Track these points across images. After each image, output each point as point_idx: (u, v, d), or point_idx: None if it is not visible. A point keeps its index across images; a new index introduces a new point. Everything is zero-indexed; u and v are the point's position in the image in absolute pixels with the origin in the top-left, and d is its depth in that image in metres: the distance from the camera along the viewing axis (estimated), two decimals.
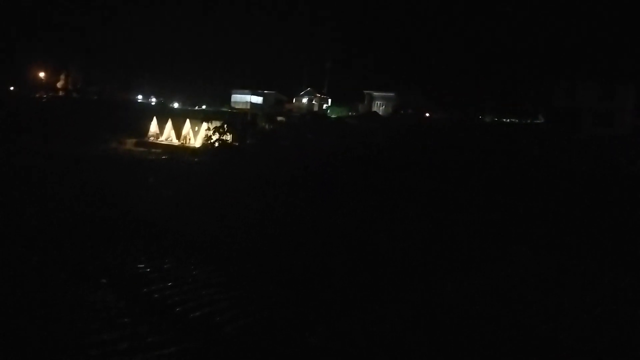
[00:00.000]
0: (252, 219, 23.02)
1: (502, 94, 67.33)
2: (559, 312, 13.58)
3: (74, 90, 76.66)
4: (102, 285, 13.72)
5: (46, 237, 17.38)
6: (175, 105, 78.39)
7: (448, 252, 19.07)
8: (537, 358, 10.99)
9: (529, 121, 60.50)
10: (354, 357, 10.55)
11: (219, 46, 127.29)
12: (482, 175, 32.39)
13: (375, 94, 78.20)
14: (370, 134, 48.26)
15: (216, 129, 45.38)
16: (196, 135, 58.10)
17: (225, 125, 45.76)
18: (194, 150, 52.13)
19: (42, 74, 79.06)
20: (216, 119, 51.12)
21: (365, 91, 78.80)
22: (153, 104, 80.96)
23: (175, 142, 60.17)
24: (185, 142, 59.66)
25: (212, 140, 45.00)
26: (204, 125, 52.92)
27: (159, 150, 52.96)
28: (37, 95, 71.70)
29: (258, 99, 76.52)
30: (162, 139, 61.72)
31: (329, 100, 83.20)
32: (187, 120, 60.86)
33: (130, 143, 55.69)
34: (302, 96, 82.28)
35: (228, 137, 44.85)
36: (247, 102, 75.43)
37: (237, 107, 73.86)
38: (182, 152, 52.49)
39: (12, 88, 73.35)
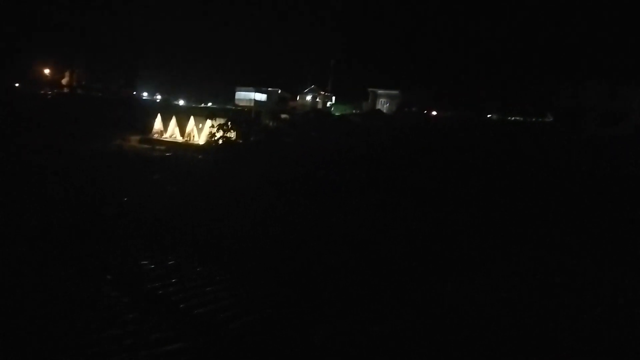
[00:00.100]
0: (256, 216, 23.10)
1: (507, 93, 67.09)
2: (560, 312, 13.59)
3: (78, 87, 76.92)
4: (106, 282, 13.80)
5: (50, 234, 17.48)
6: (180, 102, 78.55)
7: (449, 252, 19.08)
8: (538, 358, 11.02)
9: (533, 119, 60.28)
10: (354, 357, 10.60)
11: (223, 43, 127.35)
12: (485, 175, 32.35)
13: (380, 91, 78.12)
14: (375, 132, 48.22)
15: (220, 126, 45.55)
16: (200, 132, 58.35)
17: (229, 123, 45.92)
18: (198, 147, 52.36)
19: (46, 71, 79.31)
20: (220, 116, 51.33)
21: (370, 89, 78.70)
22: (158, 101, 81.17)
23: (179, 139, 60.45)
24: (190, 139, 59.93)
25: (216, 138, 45.16)
26: (208, 122, 53.17)
27: (163, 147, 53.15)
28: (42, 92, 71.98)
29: (262, 96, 76.55)
30: (166, 136, 62.03)
31: (333, 98, 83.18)
32: (191, 118, 61.13)
33: (134, 140, 55.97)
34: (306, 93, 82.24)
35: (232, 135, 45.00)
36: (251, 99, 75.47)
37: (240, 104, 73.97)
38: (186, 149, 52.73)
39: (17, 85, 73.61)
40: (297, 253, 17.72)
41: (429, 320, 12.51)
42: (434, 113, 66.77)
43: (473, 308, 13.40)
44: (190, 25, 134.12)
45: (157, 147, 53.64)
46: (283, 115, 61.77)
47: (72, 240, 17.01)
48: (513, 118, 61.83)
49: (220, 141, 44.42)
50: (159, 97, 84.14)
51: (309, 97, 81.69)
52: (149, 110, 65.15)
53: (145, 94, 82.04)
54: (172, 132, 62.77)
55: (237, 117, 52.39)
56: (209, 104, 76.31)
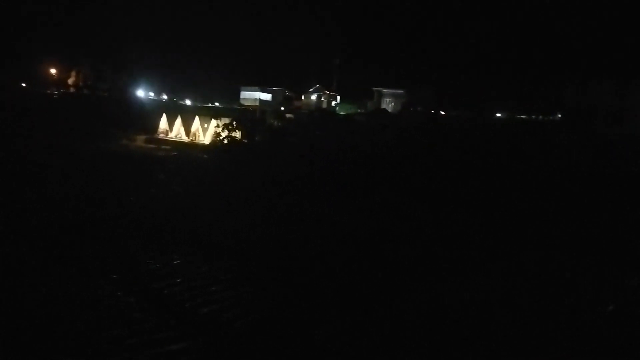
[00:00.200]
0: (260, 216, 23.11)
1: (514, 92, 66.79)
2: (560, 312, 13.47)
3: (84, 86, 77.25)
4: (111, 281, 13.82)
5: (55, 233, 17.55)
6: (186, 102, 78.82)
7: (450, 252, 18.99)
8: (538, 358, 10.93)
9: (541, 117, 59.89)
10: (355, 357, 10.55)
11: (228, 43, 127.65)
12: (490, 174, 32.20)
13: (385, 91, 78.05)
14: (379, 132, 48.10)
15: (225, 126, 45.57)
16: (205, 132, 58.45)
17: (234, 122, 45.94)
18: (203, 147, 52.47)
19: (53, 71, 79.73)
20: (225, 116, 51.40)
21: (374, 88, 78.63)
22: (164, 101, 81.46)
23: (184, 138, 60.61)
24: (195, 139, 60.05)
25: (221, 137, 45.19)
26: (213, 122, 53.22)
27: (168, 147, 53.33)
28: (48, 92, 72.36)
29: (267, 96, 76.71)
30: (172, 136, 62.23)
31: (338, 97, 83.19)
32: (197, 117, 61.26)
33: (140, 140, 56.16)
34: (311, 93, 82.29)
35: (237, 134, 45.01)
36: (256, 99, 75.65)
37: (245, 104, 74.13)
38: (191, 148, 52.85)
39: (23, 84, 74.05)
40: (299, 253, 17.72)
41: (429, 320, 12.46)
42: (442, 113, 66.40)
43: (473, 308, 13.33)
44: (196, 25, 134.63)
45: (163, 146, 53.83)
46: (288, 115, 61.76)
47: (77, 239, 17.07)
48: (521, 116, 61.43)
49: (226, 141, 44.45)
50: (165, 97, 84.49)
51: (313, 97, 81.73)
52: (154, 110, 65.37)
53: (151, 94, 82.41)
54: (178, 132, 62.96)
55: (242, 116, 52.45)
56: (216, 104, 76.46)
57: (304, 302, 13.26)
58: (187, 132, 61.68)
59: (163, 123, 63.81)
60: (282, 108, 69.29)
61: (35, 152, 36.84)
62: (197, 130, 60.98)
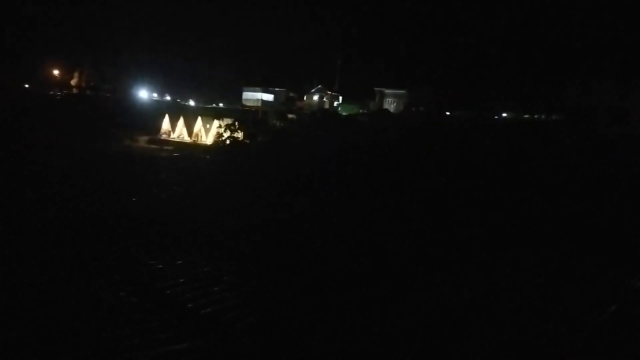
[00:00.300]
0: (262, 216, 23.18)
1: (515, 92, 66.56)
2: (561, 312, 13.49)
3: (87, 88, 77.42)
4: (115, 281, 13.93)
5: (60, 234, 17.67)
6: (189, 102, 78.94)
7: (450, 252, 19.02)
8: (539, 358, 10.98)
9: (543, 117, 59.68)
10: (356, 356, 10.63)
11: (230, 44, 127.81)
12: (491, 174, 32.19)
13: (387, 91, 77.92)
14: (381, 132, 48.09)
15: (227, 127, 45.64)
16: (207, 132, 58.59)
17: (237, 123, 46.01)
18: (205, 147, 52.57)
19: (56, 72, 79.94)
20: (227, 117, 51.49)
21: (376, 88, 78.54)
22: (166, 101, 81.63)
23: (187, 139, 60.75)
24: (197, 140, 60.19)
25: (223, 138, 45.26)
26: (216, 122, 53.33)
27: (170, 148, 53.44)
28: (51, 93, 72.54)
29: (269, 97, 76.68)
30: (174, 136, 62.37)
31: (340, 98, 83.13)
32: (199, 118, 61.39)
33: (142, 140, 56.28)
34: (313, 93, 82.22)
35: (239, 135, 45.08)
36: (258, 99, 75.60)
37: (248, 104, 74.11)
38: (193, 149, 52.93)
39: (26, 85, 74.27)
40: (301, 253, 17.79)
41: (429, 320, 12.51)
42: (447, 113, 66.08)
43: (474, 308, 13.37)
44: (198, 26, 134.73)
45: (165, 147, 53.94)
46: (290, 115, 61.79)
47: (79, 239, 17.18)
48: (524, 116, 61.17)
49: (228, 141, 44.53)
50: (168, 97, 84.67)
51: (315, 97, 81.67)
52: (157, 111, 65.53)
53: (155, 94, 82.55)
54: (180, 133, 63.12)
55: (245, 117, 52.53)
56: (220, 105, 76.52)
57: (305, 302, 13.35)
58: (190, 132, 61.84)
59: (165, 124, 63.99)
60: (285, 108, 69.26)
61: (37, 152, 37.00)
62: (200, 130, 61.14)
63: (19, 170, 29.36)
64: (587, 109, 45.73)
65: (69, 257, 15.41)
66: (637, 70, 49.72)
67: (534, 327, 12.31)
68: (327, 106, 78.30)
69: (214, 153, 45.41)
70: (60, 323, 11.10)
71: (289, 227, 21.46)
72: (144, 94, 78.07)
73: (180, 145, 56.12)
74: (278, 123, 54.95)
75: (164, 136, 61.90)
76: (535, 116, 60.29)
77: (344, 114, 69.68)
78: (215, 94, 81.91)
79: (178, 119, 63.42)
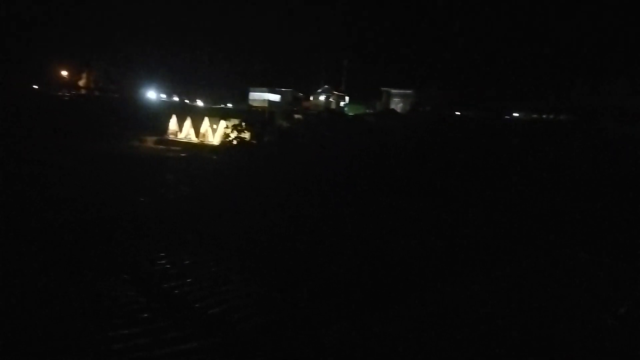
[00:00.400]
0: (270, 216, 23.18)
1: (524, 91, 66.15)
2: (563, 314, 13.35)
3: (95, 88, 77.94)
4: (124, 281, 13.97)
5: (69, 233, 17.77)
6: (196, 103, 79.23)
7: (456, 253, 18.92)
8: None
9: (551, 117, 59.28)
10: (363, 357, 10.57)
11: (237, 44, 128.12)
12: (498, 175, 32.03)
13: (393, 91, 77.77)
14: (388, 132, 47.99)
15: (234, 127, 45.73)
16: (214, 132, 58.78)
17: (243, 123, 46.09)
18: (212, 147, 52.74)
19: (64, 73, 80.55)
20: (234, 117, 51.59)
21: (383, 88, 78.40)
22: (173, 102, 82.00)
23: (194, 139, 61.02)
24: (204, 140, 60.41)
25: (230, 138, 45.36)
26: (222, 123, 53.49)
27: (178, 148, 53.68)
28: (60, 94, 73.08)
29: (275, 97, 76.73)
30: (181, 137, 62.63)
31: (346, 98, 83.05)
32: (206, 118, 61.63)
33: (150, 141, 56.61)
34: (320, 94, 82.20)
35: (246, 135, 45.15)
36: (264, 99, 75.67)
37: (254, 104, 74.23)
38: (200, 149, 53.15)
39: (35, 86, 74.88)
40: (308, 254, 17.76)
41: (438, 321, 12.42)
42: (458, 113, 65.66)
43: (484, 309, 13.27)
44: (205, 27, 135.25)
45: (173, 147, 54.22)
46: (296, 116, 61.81)
47: (88, 239, 17.26)
48: (533, 116, 60.75)
49: (235, 142, 44.62)
50: (176, 98, 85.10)
51: (322, 97, 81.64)
52: (164, 111, 65.86)
53: (163, 95, 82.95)
54: (187, 133, 63.39)
55: (251, 117, 52.60)
56: (229, 105, 76.70)
57: (312, 302, 13.31)
58: (197, 133, 62.09)
59: (173, 124, 64.29)
60: (291, 109, 69.28)
61: (46, 153, 37.30)
62: (207, 131, 61.36)
63: (27, 170, 29.59)
64: (596, 108, 45.37)
65: (77, 256, 15.47)
66: None
67: (537, 328, 12.18)
68: (333, 106, 78.26)
69: (220, 153, 45.51)
70: (68, 322, 11.14)
71: (296, 228, 21.44)
72: (152, 94, 78.47)
73: (187, 145, 56.38)
74: (285, 123, 54.96)
75: (171, 136, 62.21)
76: (544, 116, 59.93)
77: (350, 114, 69.63)
78: (222, 94, 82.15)
79: (185, 119, 63.72)
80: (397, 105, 75.86)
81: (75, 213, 20.69)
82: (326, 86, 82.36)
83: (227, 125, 48.99)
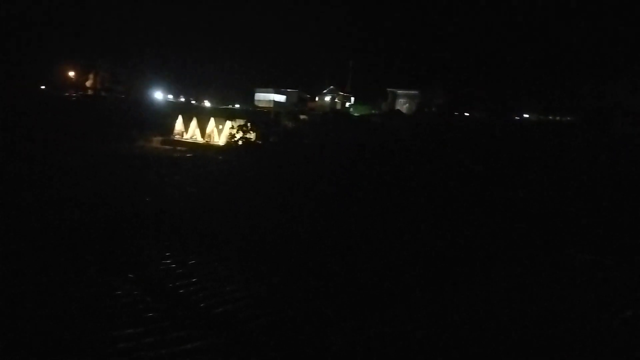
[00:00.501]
0: (275, 217, 23.17)
1: (531, 93, 65.80)
2: (565, 316, 13.24)
3: (102, 89, 78.36)
4: (129, 281, 14.03)
5: (74, 233, 17.86)
6: (203, 103, 79.50)
7: (460, 254, 18.81)
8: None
9: (558, 118, 58.93)
10: (368, 357, 10.55)
11: (243, 45, 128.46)
12: (503, 176, 31.87)
13: (399, 91, 77.62)
14: (394, 133, 47.88)
15: (240, 127, 45.76)
16: (220, 133, 58.87)
17: (249, 124, 46.13)
18: (218, 148, 52.84)
19: (71, 74, 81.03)
20: (240, 117, 51.64)
21: (389, 89, 78.25)
22: (179, 102, 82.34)
23: (199, 140, 61.11)
24: (210, 140, 60.51)
25: (235, 139, 45.41)
26: (228, 123, 53.52)
27: (184, 148, 53.84)
28: (67, 94, 73.53)
29: (281, 98, 76.83)
30: (187, 137, 62.75)
31: (352, 98, 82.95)
32: (212, 119, 61.74)
33: (156, 141, 56.81)
34: (325, 94, 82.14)
35: (251, 135, 45.18)
36: (270, 100, 75.79)
37: (260, 105, 74.35)
38: (206, 150, 53.27)
39: (42, 87, 75.39)
40: (313, 254, 17.75)
41: (442, 321, 12.38)
42: (467, 114, 65.34)
43: (486, 310, 13.22)
44: (211, 28, 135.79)
45: (178, 148, 54.36)
46: (302, 116, 61.81)
47: (94, 239, 17.34)
48: (540, 117, 60.45)
49: (240, 142, 44.64)
50: (182, 99, 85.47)
51: (327, 98, 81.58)
52: (170, 112, 66.08)
53: (170, 96, 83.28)
54: (193, 133, 63.51)
55: (257, 118, 52.66)
56: (237, 105, 76.88)
57: (316, 302, 13.30)
58: (203, 133, 62.18)
59: (179, 124, 64.43)
60: (296, 109, 69.31)
61: (53, 153, 37.52)
62: (212, 131, 61.44)
63: (33, 170, 29.78)
64: (604, 109, 45.07)
65: (83, 256, 15.55)
66: None
67: (539, 329, 12.10)
68: (339, 107, 78.23)
69: (226, 154, 45.57)
70: (74, 321, 11.20)
71: (301, 228, 21.43)
72: (158, 95, 78.81)
73: (193, 146, 56.50)
74: (290, 124, 54.98)
75: (177, 137, 62.33)
76: (550, 117, 59.66)
77: (356, 114, 69.56)
78: (228, 94, 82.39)
79: (191, 119, 63.84)
80: (403, 106, 75.68)
81: (81, 213, 20.79)
82: (332, 87, 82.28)
83: (232, 126, 49.02)
